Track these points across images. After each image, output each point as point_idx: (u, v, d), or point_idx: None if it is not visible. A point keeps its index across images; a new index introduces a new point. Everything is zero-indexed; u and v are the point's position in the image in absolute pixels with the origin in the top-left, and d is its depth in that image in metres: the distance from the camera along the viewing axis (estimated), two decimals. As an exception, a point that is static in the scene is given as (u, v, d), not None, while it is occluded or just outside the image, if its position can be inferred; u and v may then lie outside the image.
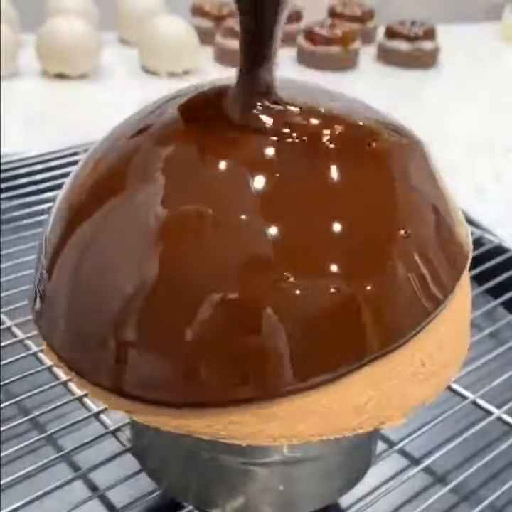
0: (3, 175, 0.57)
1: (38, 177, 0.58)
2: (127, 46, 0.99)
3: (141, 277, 0.24)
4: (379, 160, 0.27)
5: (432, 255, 0.26)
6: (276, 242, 0.24)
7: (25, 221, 0.52)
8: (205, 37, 0.96)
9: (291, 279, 0.24)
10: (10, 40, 0.85)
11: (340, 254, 0.25)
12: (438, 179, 0.29)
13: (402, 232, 0.26)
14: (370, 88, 0.97)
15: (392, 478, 0.36)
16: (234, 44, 0.95)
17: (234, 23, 0.97)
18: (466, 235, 0.29)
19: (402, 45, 1.00)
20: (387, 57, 1.01)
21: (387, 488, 0.33)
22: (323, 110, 0.27)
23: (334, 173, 0.26)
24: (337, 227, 0.25)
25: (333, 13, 1.08)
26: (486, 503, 0.33)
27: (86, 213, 0.27)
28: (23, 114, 0.78)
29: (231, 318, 0.24)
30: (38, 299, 0.28)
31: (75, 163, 0.57)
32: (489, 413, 0.38)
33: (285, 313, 0.24)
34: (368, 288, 0.24)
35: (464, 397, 0.39)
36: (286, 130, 0.26)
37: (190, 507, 0.31)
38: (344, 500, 0.34)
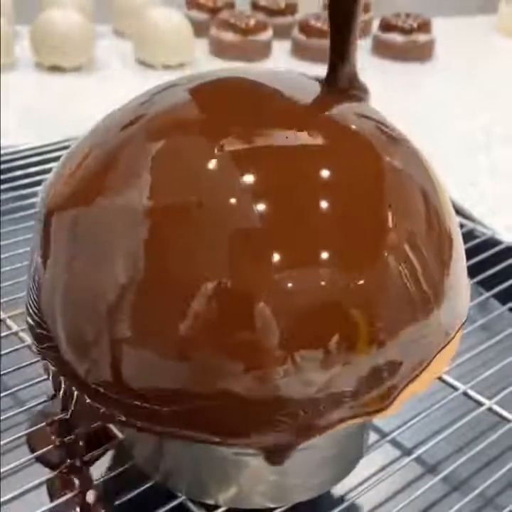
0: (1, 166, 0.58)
1: (33, 169, 0.58)
2: (121, 38, 0.99)
3: (133, 271, 0.25)
4: (373, 152, 0.27)
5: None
6: (267, 232, 0.24)
7: (19, 214, 0.52)
8: (199, 29, 0.96)
9: (283, 270, 0.24)
10: (6, 32, 0.85)
11: (333, 246, 0.25)
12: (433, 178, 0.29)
13: (396, 231, 0.26)
14: (365, 80, 0.97)
15: (383, 468, 0.36)
16: (229, 36, 0.95)
17: (229, 16, 0.97)
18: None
19: (398, 38, 1.00)
20: (383, 49, 1.01)
21: (378, 478, 0.34)
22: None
23: (326, 164, 0.26)
24: (329, 218, 0.25)
25: (328, 6, 1.08)
26: (476, 492, 0.34)
27: (77, 207, 0.27)
28: (18, 106, 0.78)
29: (223, 309, 0.24)
30: (31, 296, 0.28)
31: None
32: (480, 404, 0.38)
33: (277, 305, 0.24)
34: (360, 281, 0.25)
35: (455, 388, 0.39)
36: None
37: (183, 497, 0.31)
38: (336, 490, 0.34)
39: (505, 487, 0.36)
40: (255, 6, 1.05)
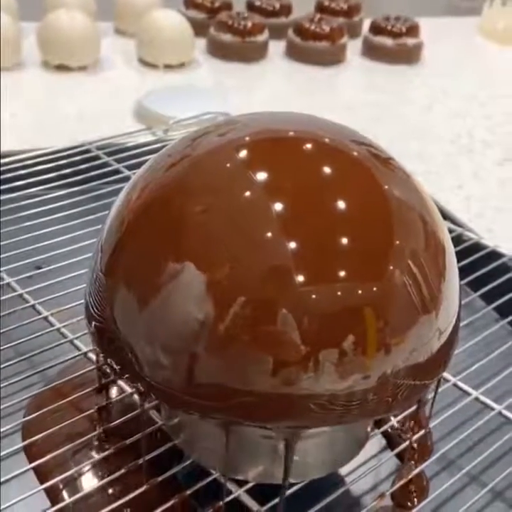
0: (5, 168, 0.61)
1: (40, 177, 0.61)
2: (124, 37, 1.02)
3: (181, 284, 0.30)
4: (376, 180, 0.33)
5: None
6: (293, 254, 0.29)
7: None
8: (198, 29, 1.00)
9: (307, 285, 0.29)
10: (13, 32, 0.89)
11: (347, 264, 0.30)
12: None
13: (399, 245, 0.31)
14: (356, 82, 1.02)
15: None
16: (227, 38, 0.99)
17: (227, 17, 1.00)
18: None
19: (387, 41, 1.04)
20: (373, 52, 1.06)
21: (380, 459, 0.39)
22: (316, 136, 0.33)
23: (341, 197, 0.31)
24: (344, 241, 0.30)
25: (320, 7, 1.12)
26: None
27: (134, 232, 0.32)
28: (27, 105, 0.82)
29: (257, 318, 0.29)
30: (97, 305, 0.33)
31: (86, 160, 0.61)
32: (467, 394, 0.44)
33: (299, 312, 0.29)
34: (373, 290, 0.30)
35: (446, 380, 0.44)
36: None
37: (217, 474, 0.36)
38: (345, 470, 0.40)
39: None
40: (251, 7, 1.09)
